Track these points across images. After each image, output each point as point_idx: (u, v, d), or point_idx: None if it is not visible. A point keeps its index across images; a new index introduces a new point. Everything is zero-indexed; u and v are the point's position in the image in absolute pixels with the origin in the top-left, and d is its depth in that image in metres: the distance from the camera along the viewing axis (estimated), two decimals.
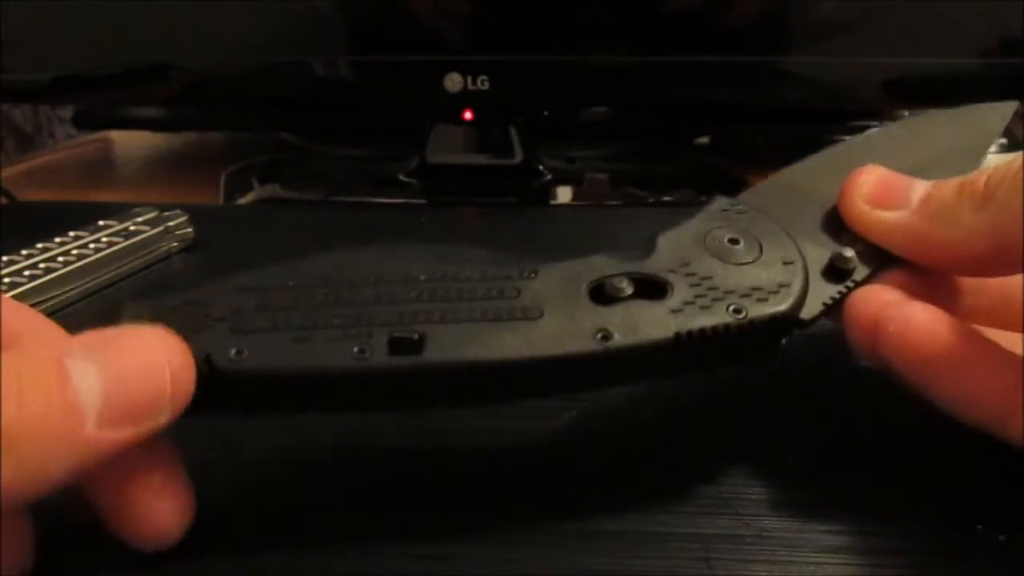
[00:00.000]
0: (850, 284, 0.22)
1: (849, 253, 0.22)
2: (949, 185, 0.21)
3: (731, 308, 0.20)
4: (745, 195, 0.24)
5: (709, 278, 0.21)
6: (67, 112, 0.78)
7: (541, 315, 0.20)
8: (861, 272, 0.22)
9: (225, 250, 0.41)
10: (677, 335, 0.20)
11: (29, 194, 0.54)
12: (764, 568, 0.19)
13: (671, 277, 0.21)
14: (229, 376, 0.19)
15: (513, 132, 0.53)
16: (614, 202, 0.53)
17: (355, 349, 0.19)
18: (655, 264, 0.21)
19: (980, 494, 0.21)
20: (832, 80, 0.50)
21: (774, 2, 0.50)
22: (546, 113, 0.56)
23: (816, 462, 0.23)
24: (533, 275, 0.21)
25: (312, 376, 0.19)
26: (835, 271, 0.22)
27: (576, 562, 0.19)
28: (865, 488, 0.22)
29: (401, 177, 0.54)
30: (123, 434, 0.17)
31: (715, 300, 0.21)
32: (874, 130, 0.27)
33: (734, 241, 0.22)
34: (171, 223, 0.40)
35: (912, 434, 0.24)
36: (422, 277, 0.20)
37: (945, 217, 0.21)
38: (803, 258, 0.22)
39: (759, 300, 0.21)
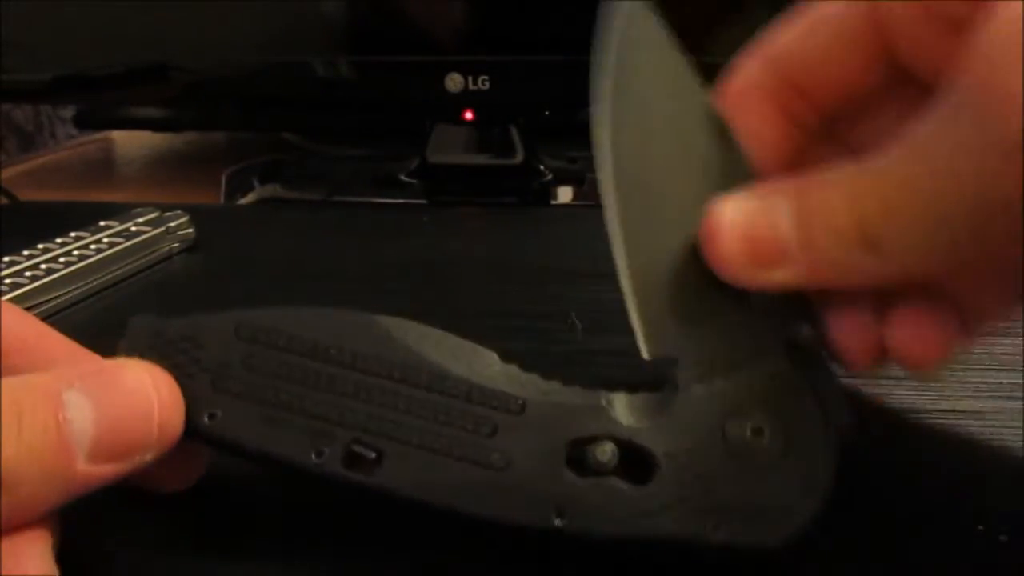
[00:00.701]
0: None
1: (801, 330, 0.20)
2: (819, 227, 0.17)
3: (713, 526, 0.18)
4: (656, 339, 0.20)
5: (709, 479, 0.18)
6: (68, 112, 0.78)
7: (506, 467, 0.18)
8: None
9: (226, 250, 0.41)
10: (636, 537, 0.18)
11: (30, 194, 0.54)
12: (766, 571, 0.19)
13: (665, 461, 0.18)
14: (200, 433, 0.19)
15: (514, 132, 0.53)
16: None
17: (313, 454, 0.19)
18: (656, 438, 0.18)
19: (980, 494, 0.21)
20: None
21: (774, 1, 0.50)
22: (547, 113, 0.56)
23: None
24: (519, 409, 0.19)
25: (271, 461, 0.20)
26: (801, 354, 0.19)
27: (576, 563, 0.19)
28: (865, 490, 0.22)
29: (402, 177, 0.54)
30: (111, 469, 0.18)
31: (700, 510, 0.18)
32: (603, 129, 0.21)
33: (758, 432, 0.18)
34: (172, 224, 0.40)
35: (911, 436, 0.24)
36: (407, 379, 0.20)
37: (838, 268, 0.18)
38: (830, 467, 0.19)
39: (751, 522, 0.18)
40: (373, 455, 0.19)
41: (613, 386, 0.19)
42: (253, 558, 0.20)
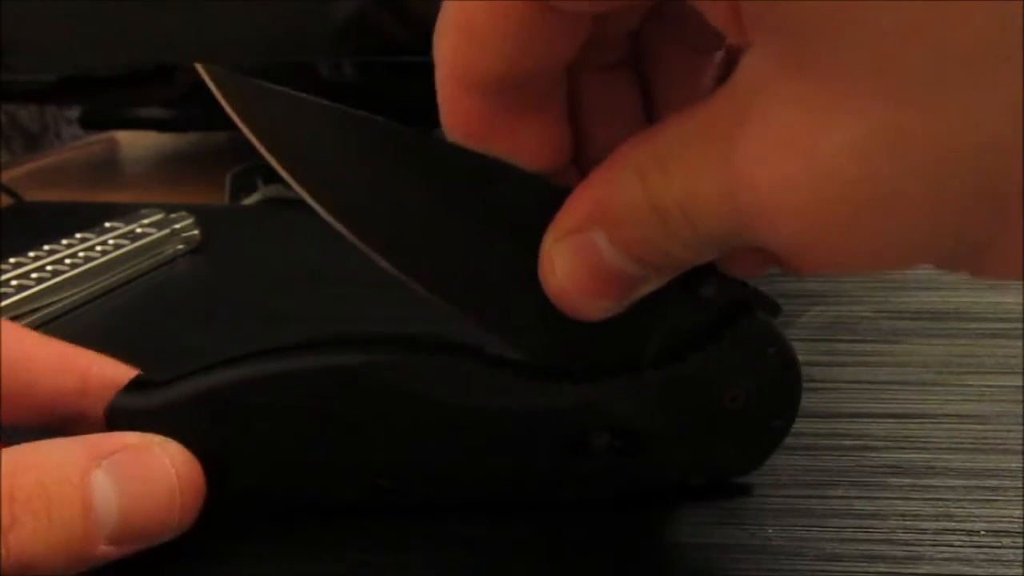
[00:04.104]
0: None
1: (707, 291, 0.19)
2: (637, 245, 0.16)
3: (694, 475, 0.21)
4: None
5: (691, 444, 0.20)
6: (73, 112, 0.78)
7: (515, 466, 0.20)
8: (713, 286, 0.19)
9: (230, 252, 0.42)
10: (628, 495, 0.21)
11: (36, 194, 0.54)
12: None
13: (652, 437, 0.20)
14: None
15: None
16: None
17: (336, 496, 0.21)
18: (642, 418, 0.20)
19: (977, 495, 0.21)
20: None
21: None
22: None
23: (819, 469, 0.23)
24: (517, 420, 0.20)
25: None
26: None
27: (579, 572, 0.19)
28: (867, 495, 0.22)
29: None
30: (128, 549, 0.18)
31: (683, 466, 0.21)
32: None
33: (735, 399, 0.20)
34: (177, 225, 0.40)
35: (909, 439, 0.24)
36: (406, 418, 0.20)
37: (682, 263, 0.17)
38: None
39: (729, 464, 0.21)
40: (396, 486, 0.20)
41: (595, 375, 0.20)
42: (251, 558, 0.20)
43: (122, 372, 0.21)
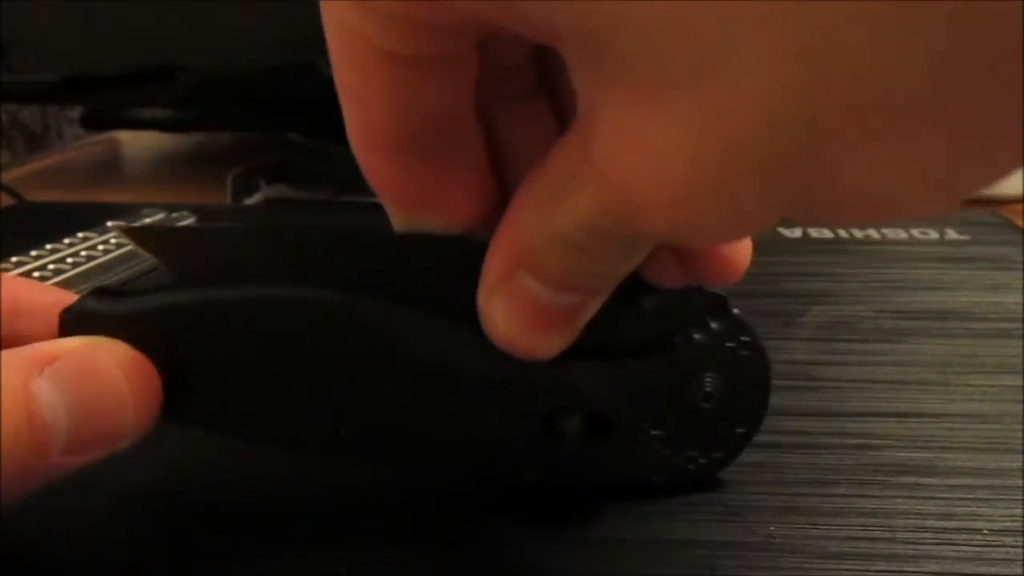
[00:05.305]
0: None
1: (648, 304, 0.20)
2: (563, 276, 0.16)
3: (661, 474, 0.21)
4: None
5: (662, 439, 0.21)
6: (75, 113, 0.78)
7: (486, 439, 0.20)
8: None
9: None
10: (596, 487, 0.21)
11: (37, 194, 0.54)
12: (769, 575, 0.19)
13: (624, 426, 0.20)
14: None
15: None
16: None
17: (299, 442, 0.20)
18: (617, 406, 0.20)
19: (979, 494, 0.21)
20: None
21: None
22: None
23: (821, 467, 0.23)
24: (496, 387, 0.20)
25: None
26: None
27: (582, 570, 0.19)
28: (869, 494, 0.22)
29: None
30: (87, 457, 0.17)
31: (653, 463, 0.21)
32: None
33: (707, 398, 0.20)
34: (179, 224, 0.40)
35: (910, 438, 0.24)
36: (383, 364, 0.19)
37: (609, 280, 0.17)
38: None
39: (696, 464, 0.21)
40: (358, 440, 0.20)
41: (578, 356, 0.19)
42: (249, 558, 0.20)
43: (55, 295, 0.20)
